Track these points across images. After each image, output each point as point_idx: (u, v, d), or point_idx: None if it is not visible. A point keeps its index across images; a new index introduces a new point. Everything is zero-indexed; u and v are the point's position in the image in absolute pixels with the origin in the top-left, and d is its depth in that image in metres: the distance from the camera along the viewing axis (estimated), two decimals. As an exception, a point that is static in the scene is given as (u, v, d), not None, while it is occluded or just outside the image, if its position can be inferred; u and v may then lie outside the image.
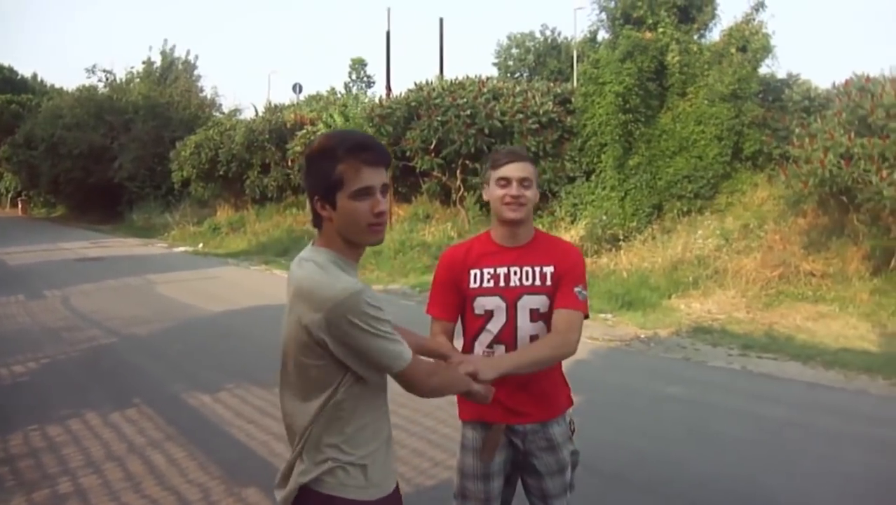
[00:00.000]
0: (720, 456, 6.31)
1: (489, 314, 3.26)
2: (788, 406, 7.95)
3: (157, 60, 43.48)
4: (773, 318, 12.42)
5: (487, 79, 21.73)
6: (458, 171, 20.07)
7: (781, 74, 19.01)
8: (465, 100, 19.45)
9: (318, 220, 2.43)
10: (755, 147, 17.23)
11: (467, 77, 21.48)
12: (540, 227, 15.58)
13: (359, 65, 44.72)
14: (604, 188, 18.09)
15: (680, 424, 7.24)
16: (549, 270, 3.25)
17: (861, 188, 12.73)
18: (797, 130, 14.88)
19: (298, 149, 25.75)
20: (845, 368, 9.47)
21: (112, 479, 5.75)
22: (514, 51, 29.99)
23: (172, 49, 43.91)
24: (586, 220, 17.42)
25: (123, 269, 19.96)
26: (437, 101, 19.82)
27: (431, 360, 2.79)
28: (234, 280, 18.41)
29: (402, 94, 21.66)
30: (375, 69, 44.85)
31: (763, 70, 18.44)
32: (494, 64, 30.76)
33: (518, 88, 20.37)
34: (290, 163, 26.98)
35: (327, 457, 2.39)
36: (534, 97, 19.43)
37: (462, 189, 20.35)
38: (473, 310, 3.30)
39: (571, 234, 16.98)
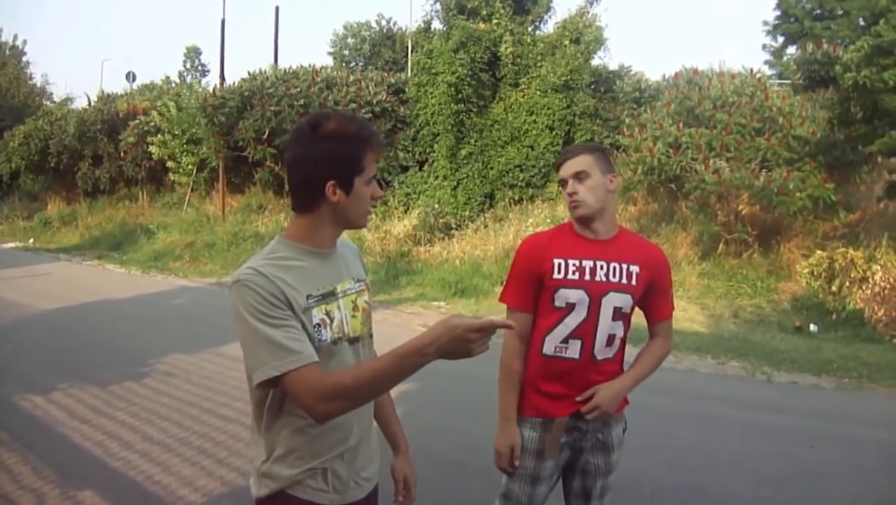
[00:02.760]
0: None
1: (570, 308, 2.95)
2: (620, 386, 7.89)
3: (-17, 46, 40.49)
4: (605, 303, 12.34)
5: (321, 68, 21.21)
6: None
7: (613, 66, 19.15)
8: (298, 89, 18.92)
9: (307, 205, 2.20)
10: (586, 137, 17.09)
11: (301, 66, 20.92)
12: (373, 216, 15.04)
13: (193, 53, 42.89)
14: (436, 178, 17.88)
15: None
16: (635, 269, 3.00)
17: (688, 176, 12.76)
18: (628, 121, 14.97)
19: (131, 139, 24.73)
20: (676, 349, 9.53)
21: (-59, 490, 5.17)
22: (349, 40, 29.28)
23: (-1, 33, 41.10)
24: (419, 209, 17.11)
25: (-55, 268, 18.55)
26: (271, 90, 19.22)
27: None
28: (67, 276, 17.26)
29: (236, 84, 20.83)
30: (210, 57, 43.37)
31: (595, 62, 18.49)
32: (330, 53, 29.99)
33: (352, 78, 19.86)
34: (122, 154, 25.61)
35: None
36: (367, 87, 18.98)
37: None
38: (553, 301, 2.98)
39: (405, 224, 16.68)
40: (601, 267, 2.95)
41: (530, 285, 3.01)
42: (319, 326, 2.13)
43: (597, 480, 3.11)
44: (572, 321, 2.95)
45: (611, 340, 3.00)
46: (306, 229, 2.22)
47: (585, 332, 2.95)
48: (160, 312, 12.59)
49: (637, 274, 2.99)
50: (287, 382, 1.97)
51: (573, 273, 2.94)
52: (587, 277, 2.94)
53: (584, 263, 2.95)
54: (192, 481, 5.12)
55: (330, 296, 2.20)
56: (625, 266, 2.97)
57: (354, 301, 2.29)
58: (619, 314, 2.98)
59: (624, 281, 2.97)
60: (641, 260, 3.02)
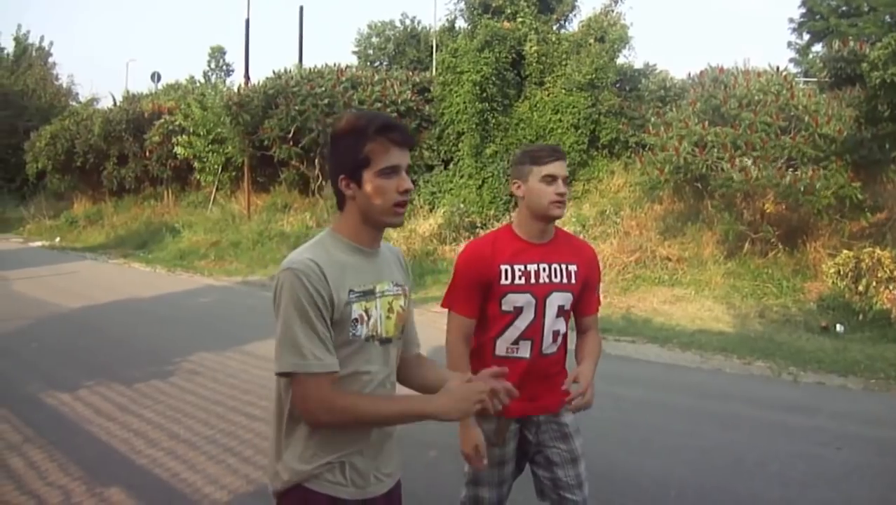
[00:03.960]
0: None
1: (518, 311, 3.14)
2: (646, 386, 8.02)
3: (10, 47, 41.08)
4: (631, 301, 12.45)
5: (346, 67, 21.21)
6: (316, 160, 19.50)
7: (638, 65, 19.03)
8: (323, 88, 18.95)
9: (340, 201, 2.32)
10: (612, 135, 17.09)
11: (326, 65, 20.92)
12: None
13: (218, 53, 43.12)
14: (461, 176, 17.84)
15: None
16: (573, 268, 3.21)
17: (714, 175, 12.67)
18: (653, 119, 14.86)
19: (156, 139, 24.84)
20: (701, 348, 9.62)
21: (-31, 486, 5.19)
22: (374, 39, 29.16)
23: (26, 35, 41.48)
24: (444, 208, 17.09)
25: (-25, 266, 18.66)
26: (296, 89, 19.23)
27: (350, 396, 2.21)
28: (92, 275, 17.45)
29: (260, 83, 20.85)
30: (235, 57, 43.59)
31: (620, 60, 18.44)
32: (354, 52, 29.88)
33: (377, 77, 19.86)
34: (147, 153, 25.79)
35: None
36: (392, 86, 18.97)
37: (321, 178, 19.73)
38: (501, 306, 3.15)
39: (430, 223, 16.70)
40: (544, 269, 3.15)
41: (476, 292, 3.15)
42: (357, 321, 2.20)
43: (565, 469, 3.20)
44: (521, 323, 3.13)
45: (556, 336, 3.20)
46: (345, 226, 2.30)
47: (534, 332, 3.14)
48: (185, 310, 12.66)
49: (576, 272, 3.20)
50: (300, 382, 2.07)
51: (519, 278, 3.11)
52: (532, 280, 3.12)
53: (529, 267, 3.13)
54: (218, 479, 5.14)
55: (370, 294, 2.26)
56: (564, 266, 3.18)
57: (391, 303, 2.33)
58: (561, 312, 3.18)
59: (565, 281, 3.17)
60: (578, 259, 3.23)
